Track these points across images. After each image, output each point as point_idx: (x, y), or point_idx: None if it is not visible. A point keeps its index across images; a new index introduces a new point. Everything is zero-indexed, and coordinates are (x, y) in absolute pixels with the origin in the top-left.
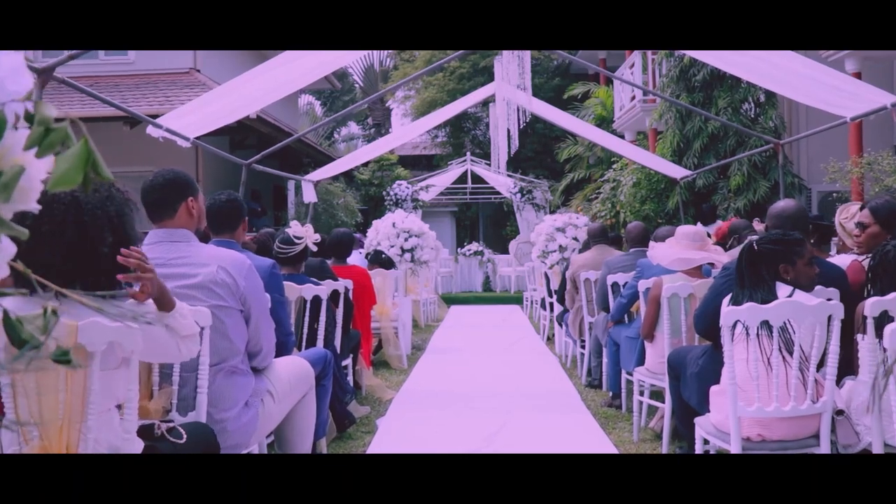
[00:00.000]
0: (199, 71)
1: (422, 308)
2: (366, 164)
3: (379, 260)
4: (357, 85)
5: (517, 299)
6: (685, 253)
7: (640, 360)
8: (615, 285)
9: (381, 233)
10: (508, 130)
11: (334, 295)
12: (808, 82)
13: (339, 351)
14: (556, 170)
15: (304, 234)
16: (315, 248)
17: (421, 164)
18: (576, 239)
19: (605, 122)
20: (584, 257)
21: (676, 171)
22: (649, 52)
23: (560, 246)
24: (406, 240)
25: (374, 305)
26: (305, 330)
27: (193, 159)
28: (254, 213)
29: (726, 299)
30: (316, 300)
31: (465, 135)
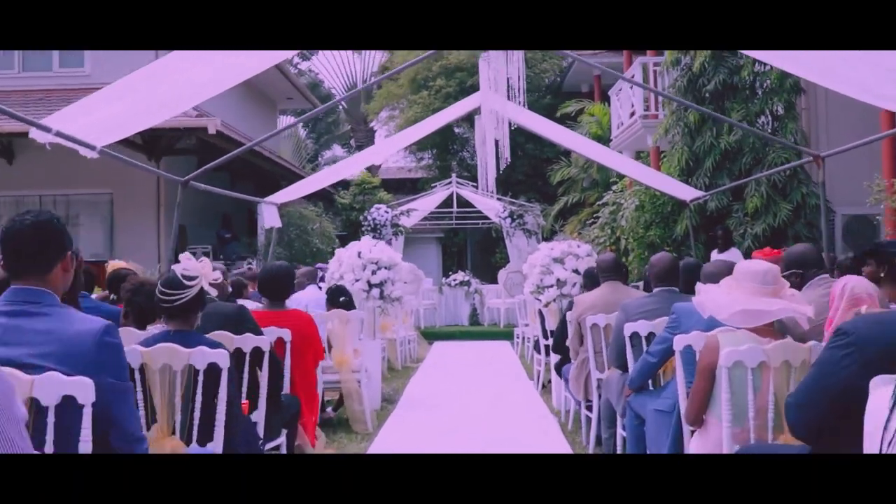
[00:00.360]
0: None
1: (398, 347)
2: (346, 188)
3: (336, 301)
4: (340, 106)
5: (507, 334)
6: (754, 302)
7: (677, 445)
8: (635, 336)
9: (345, 264)
10: (497, 142)
11: (257, 354)
12: (862, 69)
13: (261, 432)
14: (548, 194)
15: (199, 271)
16: (214, 292)
17: (405, 187)
18: (577, 272)
19: (600, 142)
20: (591, 297)
21: (686, 193)
22: (651, 64)
23: (558, 280)
24: (374, 273)
25: (333, 353)
26: (198, 413)
27: (154, 182)
28: (223, 241)
29: (878, 395)
30: (213, 370)
31: (452, 157)
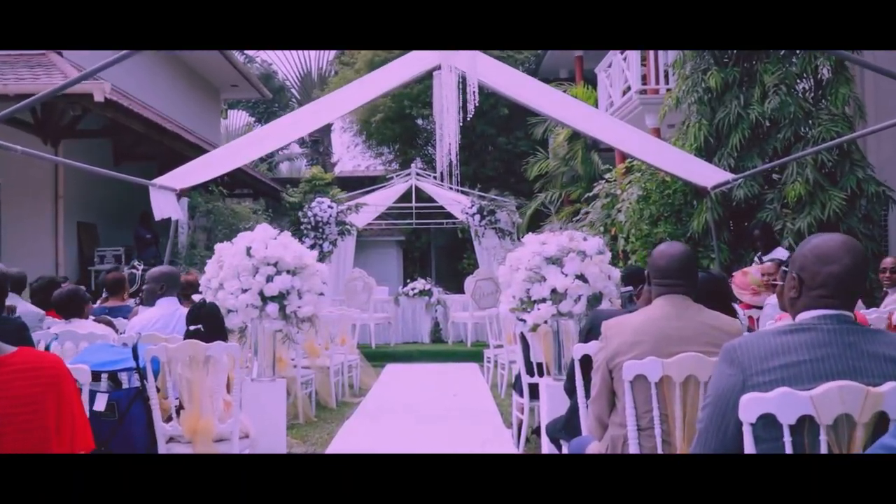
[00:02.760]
0: (60, 54)
1: (332, 379)
2: (295, 185)
3: (197, 330)
4: (294, 98)
5: (475, 354)
6: None
7: None
8: (767, 424)
9: (227, 266)
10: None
11: None
12: None
13: None
14: (523, 192)
15: None
16: None
17: (363, 186)
18: (582, 279)
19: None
20: (635, 322)
21: (709, 176)
22: None
23: (554, 291)
24: (269, 279)
25: (183, 414)
26: None
27: (51, 169)
28: (143, 242)
29: None
30: None
31: (417, 151)
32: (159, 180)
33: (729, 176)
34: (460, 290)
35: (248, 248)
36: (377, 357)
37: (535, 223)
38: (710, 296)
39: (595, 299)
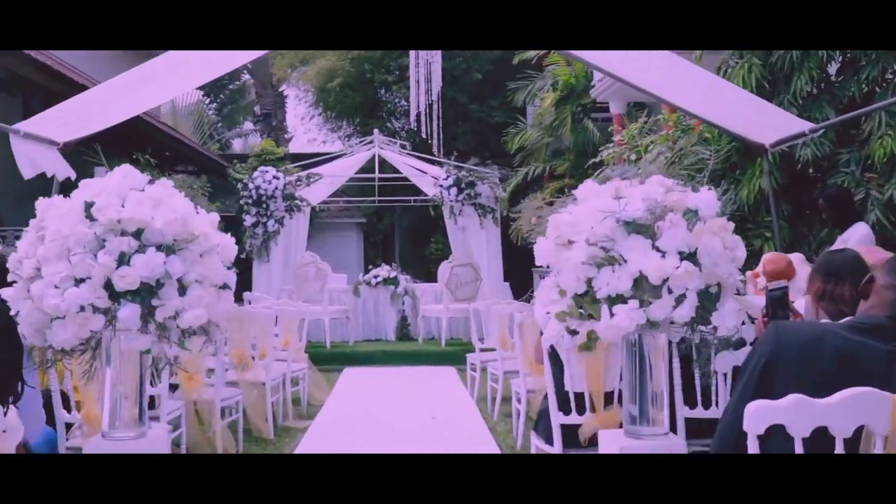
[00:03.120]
0: None
1: (269, 398)
2: (243, 161)
3: None
4: (245, 68)
5: (452, 356)
6: None
7: None
8: None
9: (51, 237)
10: None
11: None
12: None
13: None
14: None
15: None
16: None
17: (321, 164)
18: (692, 260)
19: (573, 94)
20: None
21: (773, 128)
22: None
23: (639, 282)
24: (124, 260)
25: None
26: None
27: None
28: None
29: None
30: None
31: (379, 124)
32: (24, 125)
33: (804, 126)
34: (429, 279)
35: (89, 205)
36: (333, 359)
37: (517, 200)
38: None
39: (708, 298)
